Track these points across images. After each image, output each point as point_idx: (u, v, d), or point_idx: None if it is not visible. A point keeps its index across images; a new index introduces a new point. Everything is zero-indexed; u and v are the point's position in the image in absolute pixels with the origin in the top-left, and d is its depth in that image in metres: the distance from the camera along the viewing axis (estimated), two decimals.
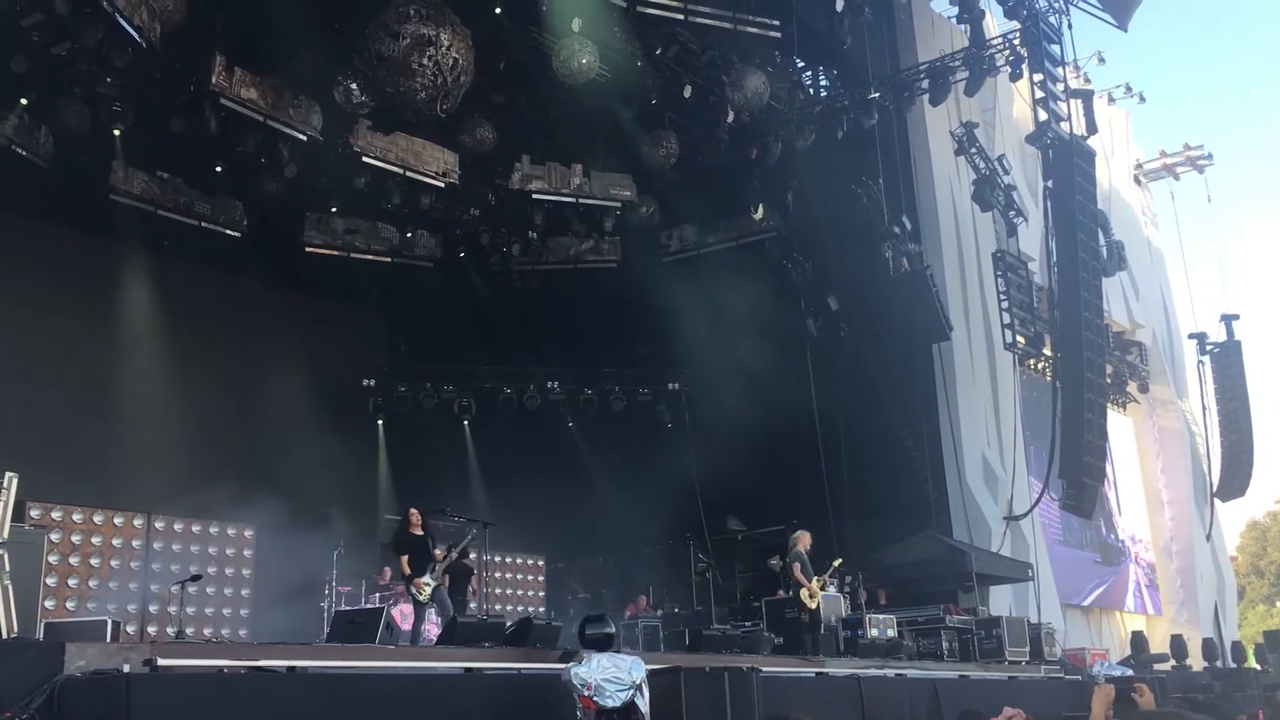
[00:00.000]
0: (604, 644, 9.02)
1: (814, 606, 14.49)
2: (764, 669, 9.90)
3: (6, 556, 8.60)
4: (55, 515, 13.64)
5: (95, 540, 13.97)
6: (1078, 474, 18.25)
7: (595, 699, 8.08)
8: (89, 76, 16.23)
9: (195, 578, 13.17)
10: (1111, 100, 30.83)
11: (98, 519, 14.11)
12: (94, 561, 13.89)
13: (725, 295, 21.01)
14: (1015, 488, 21.07)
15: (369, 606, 13.95)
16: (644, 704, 8.25)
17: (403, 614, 13.76)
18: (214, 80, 16.56)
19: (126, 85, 16.59)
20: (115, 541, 14.20)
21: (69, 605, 13.34)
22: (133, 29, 14.54)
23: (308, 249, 21.33)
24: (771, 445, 19.90)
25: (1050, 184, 19.24)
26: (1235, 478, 27.25)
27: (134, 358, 18.43)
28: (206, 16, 16.30)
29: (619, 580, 20.26)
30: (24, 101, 16.30)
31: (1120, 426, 27.88)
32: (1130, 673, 16.11)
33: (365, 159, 18.79)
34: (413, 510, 12.64)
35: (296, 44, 16.10)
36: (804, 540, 14.87)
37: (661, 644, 16.03)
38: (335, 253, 21.60)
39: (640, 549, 20.61)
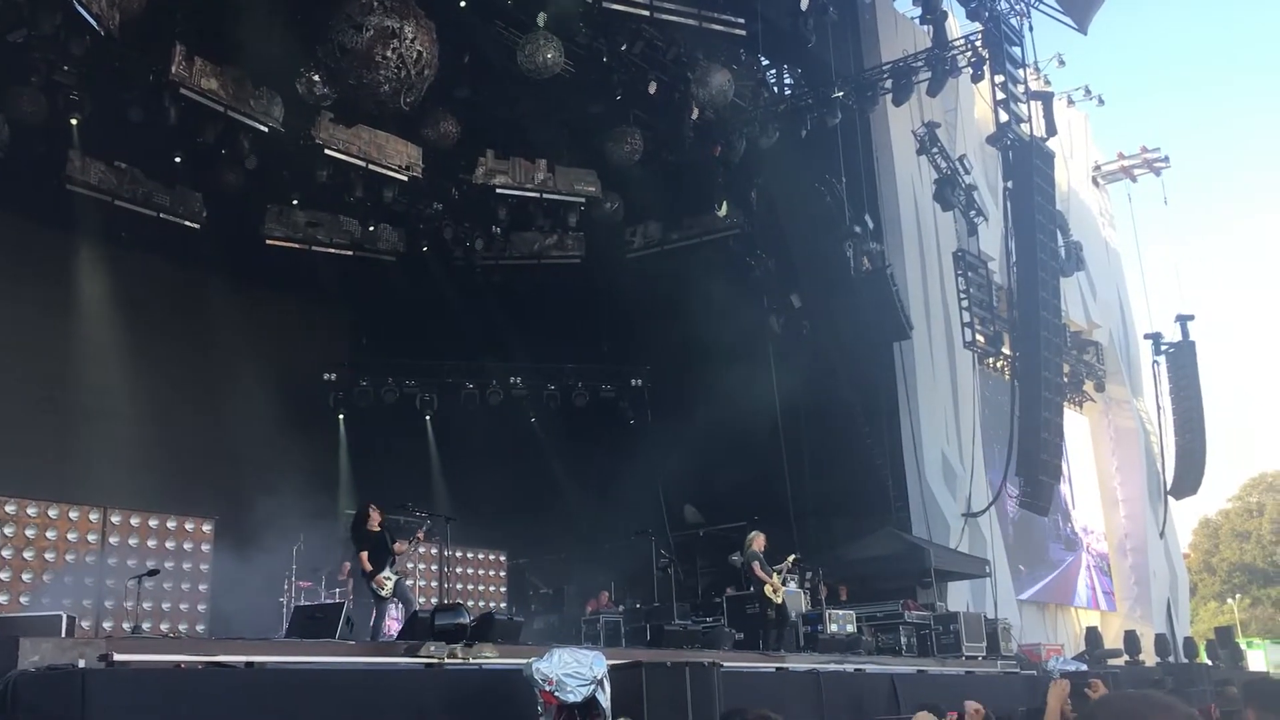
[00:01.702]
0: (455, 635, 8.94)
1: (780, 602, 14.57)
2: (725, 664, 9.94)
3: None
4: (9, 509, 13.41)
5: (50, 534, 13.76)
6: (1035, 472, 18.50)
7: (556, 694, 8.07)
8: (46, 64, 15.99)
9: (152, 572, 13.01)
10: (1071, 103, 31.18)
11: (53, 513, 13.90)
12: (49, 556, 13.68)
13: (689, 292, 21.08)
14: (974, 485, 21.28)
15: (329, 601, 13.86)
16: (605, 699, 8.26)
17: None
18: (174, 70, 16.38)
19: (84, 74, 16.36)
20: (71, 535, 13.99)
21: (23, 600, 13.14)
22: (91, 16, 14.34)
23: (268, 241, 21.17)
24: (734, 441, 19.99)
25: (1010, 184, 19.46)
26: (1188, 476, 27.69)
27: (91, 350, 18.20)
28: (166, 5, 16.11)
29: (580, 575, 20.23)
30: None
31: (1076, 425, 28.24)
32: (1085, 668, 16.31)
33: (327, 151, 18.67)
34: (372, 506, 12.57)
35: (258, 34, 15.95)
36: (758, 541, 14.98)
37: (623, 639, 16.04)
38: (296, 245, 21.46)
39: (602, 544, 20.60)
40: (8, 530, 13.02)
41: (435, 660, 8.74)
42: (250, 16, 15.66)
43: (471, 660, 8.85)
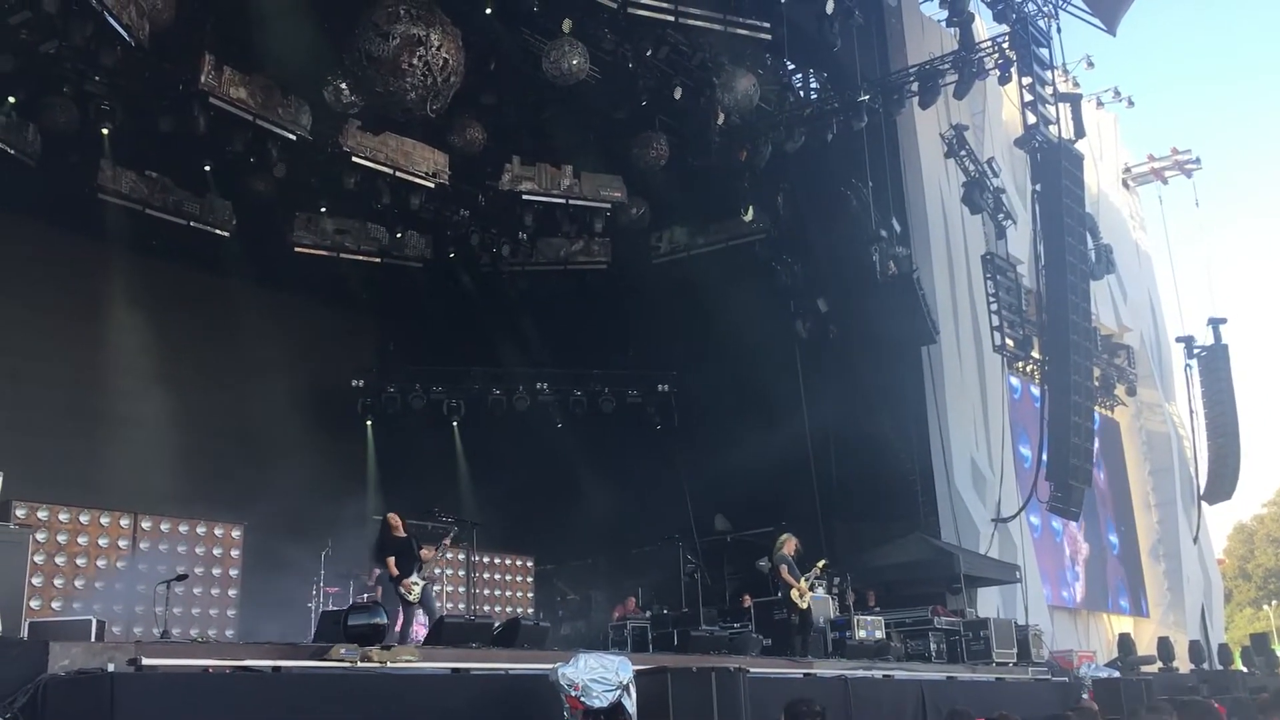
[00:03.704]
0: (370, 637, 8.49)
1: (804, 607, 14.48)
2: (752, 670, 9.88)
3: None
4: (41, 515, 13.54)
5: (81, 540, 13.88)
6: (1064, 476, 18.31)
7: (582, 699, 8.06)
8: (77, 75, 16.23)
9: (181, 577, 13.05)
10: (1100, 104, 30.93)
11: (84, 519, 14.03)
12: (80, 561, 13.81)
13: (715, 297, 21.05)
14: (1003, 490, 21.11)
15: None
16: (631, 704, 8.24)
17: None
18: (203, 79, 16.55)
19: (115, 84, 16.57)
20: (101, 541, 14.12)
21: (55, 605, 13.25)
22: (121, 27, 14.51)
23: (297, 249, 21.32)
24: (760, 447, 19.91)
25: (1038, 187, 19.30)
26: (1222, 481, 27.36)
27: (122, 357, 18.35)
28: (195, 15, 16.28)
29: (608, 581, 20.24)
30: (12, 100, 16.29)
31: (1107, 429, 27.96)
32: (1117, 674, 16.16)
33: (355, 159, 18.80)
34: (392, 515, 12.63)
35: (286, 43, 16.07)
36: (790, 544, 14.88)
37: (650, 645, 16.02)
38: (325, 253, 21.60)
39: (629, 550, 20.60)
40: (39, 536, 13.14)
41: (347, 664, 8.23)
42: (278, 26, 15.77)
43: (389, 665, 8.39)
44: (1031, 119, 18.97)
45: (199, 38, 16.59)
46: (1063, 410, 18.27)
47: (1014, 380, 23.89)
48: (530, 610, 19.09)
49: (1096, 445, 20.98)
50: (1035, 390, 22.52)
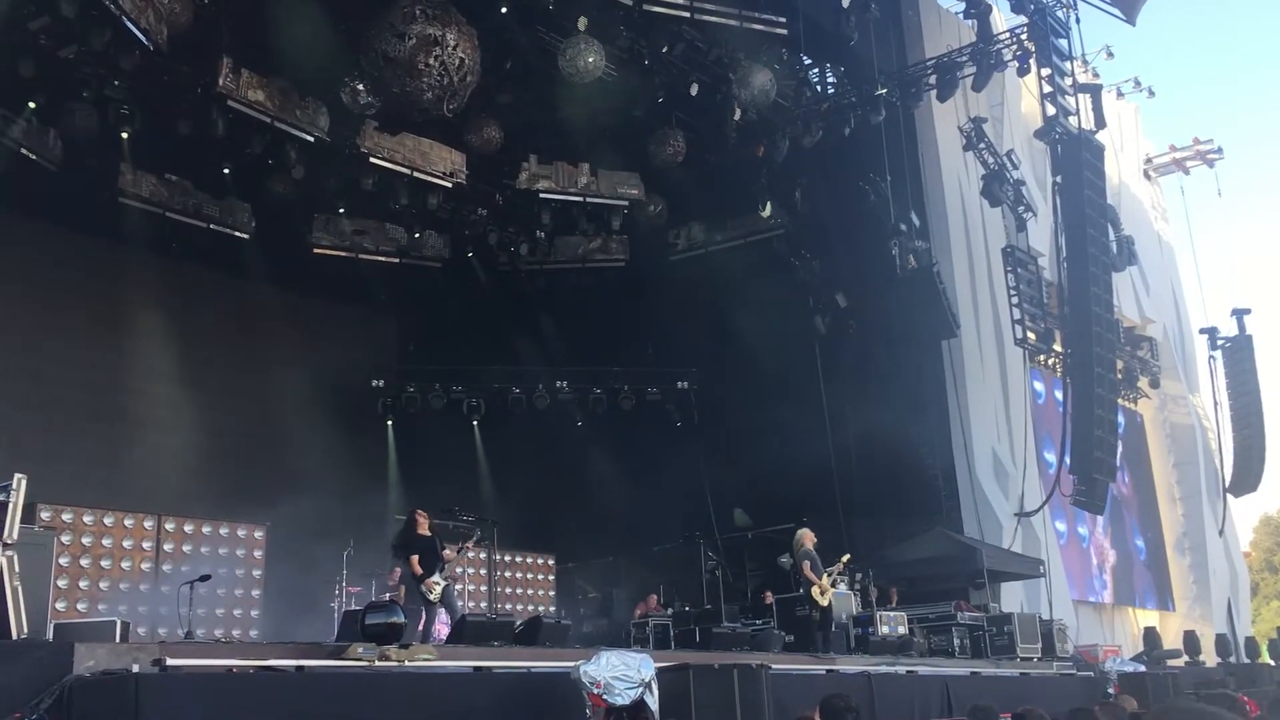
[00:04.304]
0: (387, 636, 8.39)
1: (825, 604, 14.45)
2: (774, 666, 9.85)
3: (16, 558, 8.58)
4: (65, 517, 13.64)
5: (105, 542, 13.97)
6: (1088, 470, 18.20)
7: (604, 697, 8.05)
8: (96, 79, 16.33)
9: (204, 578, 13.13)
10: (1120, 95, 30.72)
11: (108, 520, 14.11)
12: (104, 563, 13.89)
13: (733, 293, 21.01)
14: (1026, 484, 20.99)
15: None
16: (653, 702, 8.22)
17: None
18: (221, 82, 16.61)
19: (134, 88, 16.67)
20: (125, 543, 14.20)
21: (80, 607, 13.34)
22: (139, 31, 14.57)
23: (316, 250, 21.39)
24: (781, 443, 19.89)
25: (1059, 179, 19.19)
26: (1247, 473, 27.13)
27: (143, 360, 18.49)
28: (213, 19, 16.34)
29: (629, 579, 20.23)
30: (32, 105, 16.40)
31: (1130, 425, 27.76)
32: (1143, 669, 16.03)
33: (372, 160, 18.83)
34: (420, 512, 12.64)
35: (303, 46, 16.12)
36: (808, 538, 14.85)
37: (672, 642, 16.00)
38: (343, 254, 21.66)
39: (650, 548, 20.57)
40: (64, 538, 13.21)
41: (364, 663, 8.15)
42: (294, 28, 15.82)
43: (407, 663, 8.35)
44: (1051, 110, 18.87)
45: (216, 41, 16.64)
46: (1086, 403, 18.15)
47: (1038, 384, 23.76)
48: (552, 608, 19.09)
49: (1120, 446, 20.79)
50: (1059, 394, 22.39)
